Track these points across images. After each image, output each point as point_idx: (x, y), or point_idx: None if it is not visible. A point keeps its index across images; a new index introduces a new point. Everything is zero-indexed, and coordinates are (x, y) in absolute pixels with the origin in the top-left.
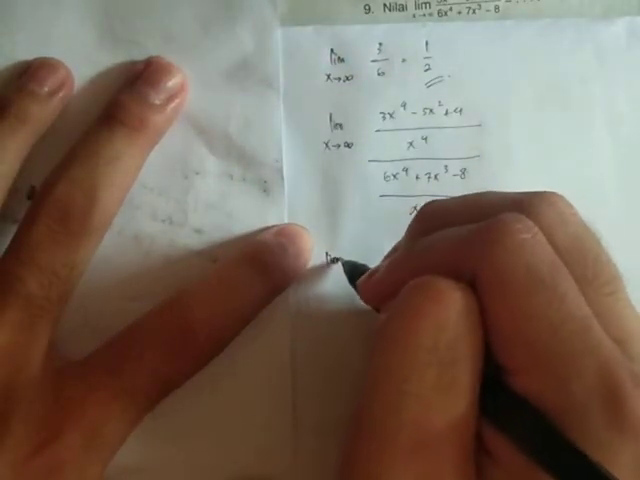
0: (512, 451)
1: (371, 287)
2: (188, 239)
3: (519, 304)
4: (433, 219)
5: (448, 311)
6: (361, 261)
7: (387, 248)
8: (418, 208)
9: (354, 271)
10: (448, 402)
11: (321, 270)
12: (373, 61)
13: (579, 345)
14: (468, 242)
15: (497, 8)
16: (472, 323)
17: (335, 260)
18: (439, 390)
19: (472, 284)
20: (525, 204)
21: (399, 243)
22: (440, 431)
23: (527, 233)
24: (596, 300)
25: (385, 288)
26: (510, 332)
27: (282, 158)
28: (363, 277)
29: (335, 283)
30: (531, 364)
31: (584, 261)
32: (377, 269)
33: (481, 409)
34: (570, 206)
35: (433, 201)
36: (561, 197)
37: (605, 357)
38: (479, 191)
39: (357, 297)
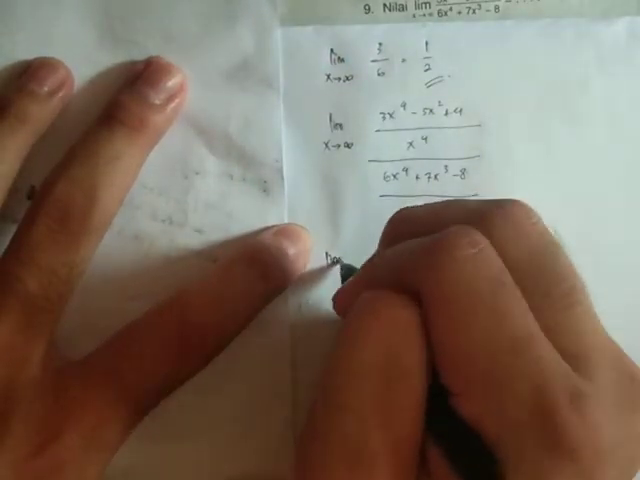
0: (451, 474)
1: (339, 298)
2: (188, 239)
3: (459, 324)
4: (402, 227)
5: (390, 328)
6: (361, 263)
7: None
8: None
9: (349, 276)
10: (387, 419)
11: (321, 270)
12: (373, 61)
13: (516, 367)
14: (414, 256)
15: (497, 8)
16: (415, 341)
17: (335, 261)
18: (378, 407)
19: (419, 300)
20: (480, 215)
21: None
22: (376, 448)
23: (472, 248)
24: (551, 315)
25: (349, 300)
26: (451, 353)
27: (282, 158)
28: (338, 288)
29: (335, 283)
30: (470, 387)
31: (539, 275)
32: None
33: (427, 427)
34: (530, 216)
35: (405, 208)
36: (521, 206)
37: (543, 378)
38: (453, 198)
39: None
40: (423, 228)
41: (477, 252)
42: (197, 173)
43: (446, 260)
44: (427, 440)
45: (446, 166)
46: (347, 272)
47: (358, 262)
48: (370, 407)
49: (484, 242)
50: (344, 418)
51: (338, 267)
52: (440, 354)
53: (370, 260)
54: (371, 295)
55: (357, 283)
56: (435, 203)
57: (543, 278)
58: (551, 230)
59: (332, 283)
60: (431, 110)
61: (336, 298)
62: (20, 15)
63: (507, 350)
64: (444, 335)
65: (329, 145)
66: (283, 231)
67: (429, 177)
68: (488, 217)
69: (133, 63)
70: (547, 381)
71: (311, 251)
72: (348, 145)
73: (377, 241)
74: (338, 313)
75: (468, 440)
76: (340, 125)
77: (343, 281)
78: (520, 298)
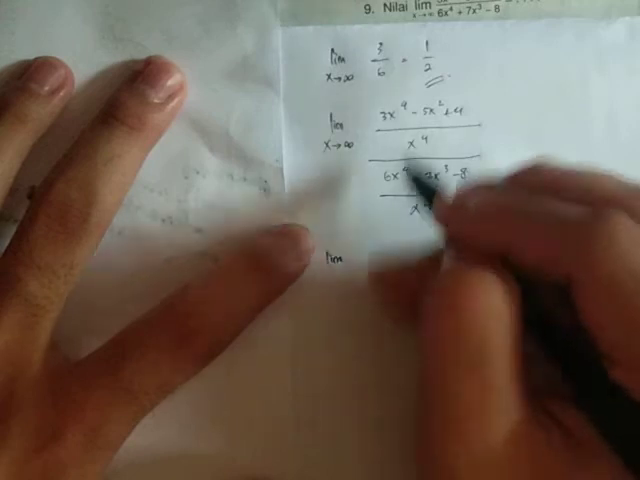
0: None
1: (455, 220)
2: (188, 239)
3: (629, 310)
4: (541, 179)
5: (485, 311)
6: (361, 263)
7: (387, 248)
8: (419, 208)
9: (420, 181)
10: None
11: (321, 270)
12: (373, 61)
13: None
14: (574, 231)
15: (497, 8)
16: (509, 322)
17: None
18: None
19: (558, 270)
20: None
21: (484, 182)
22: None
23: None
24: None
25: (471, 233)
26: (617, 333)
27: (282, 158)
28: (445, 201)
29: (335, 282)
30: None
31: None
32: (463, 203)
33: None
34: None
35: (546, 161)
36: None
37: None
38: (596, 169)
39: (356, 297)
40: (567, 192)
41: None
42: (197, 173)
43: (615, 244)
44: (568, 408)
45: (446, 166)
46: (416, 177)
47: (358, 262)
48: (467, 389)
49: None
50: (453, 404)
51: (338, 267)
52: (602, 331)
53: (478, 188)
54: (468, 274)
55: (483, 215)
56: (582, 170)
57: None
58: None
59: (333, 283)
60: (431, 110)
61: (445, 212)
62: (20, 15)
63: None
64: (609, 318)
65: (329, 145)
66: (283, 231)
67: (429, 177)
68: None
69: (133, 62)
70: None
71: (311, 251)
72: (348, 145)
73: (377, 241)
74: (443, 224)
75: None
76: (340, 125)
77: (416, 185)
78: None
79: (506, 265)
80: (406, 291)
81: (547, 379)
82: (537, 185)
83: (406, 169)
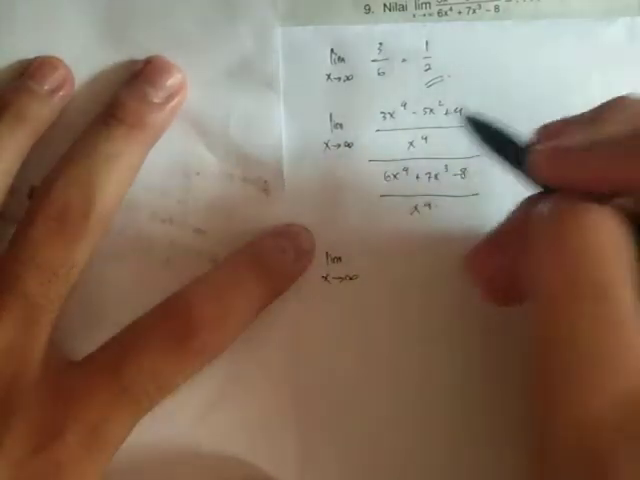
0: None
1: (563, 169)
2: (188, 239)
3: None
4: (630, 112)
5: (605, 242)
6: (361, 263)
7: (387, 248)
8: (419, 208)
9: (486, 129)
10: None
11: (321, 270)
12: (373, 61)
13: None
14: None
15: (497, 8)
16: (626, 251)
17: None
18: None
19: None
20: None
21: (568, 121)
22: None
23: None
24: None
25: (584, 178)
26: None
27: (282, 158)
28: (545, 151)
29: (336, 282)
30: None
31: None
32: (566, 147)
33: None
34: None
35: (632, 93)
36: None
37: None
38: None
39: (356, 298)
40: None
41: None
42: (197, 173)
43: None
44: None
45: (446, 165)
46: (482, 128)
47: (358, 262)
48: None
49: None
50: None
51: (338, 266)
52: None
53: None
54: (583, 204)
55: (598, 156)
56: None
57: None
58: None
59: (332, 283)
60: (431, 110)
61: (546, 163)
62: (20, 15)
63: None
64: None
65: (329, 145)
66: (283, 231)
67: (429, 177)
68: None
69: (133, 62)
70: None
71: (312, 251)
72: (348, 145)
73: (377, 241)
74: (541, 176)
75: None
76: (340, 125)
77: (478, 134)
78: None
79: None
80: (499, 271)
81: None
82: (631, 120)
83: (469, 122)
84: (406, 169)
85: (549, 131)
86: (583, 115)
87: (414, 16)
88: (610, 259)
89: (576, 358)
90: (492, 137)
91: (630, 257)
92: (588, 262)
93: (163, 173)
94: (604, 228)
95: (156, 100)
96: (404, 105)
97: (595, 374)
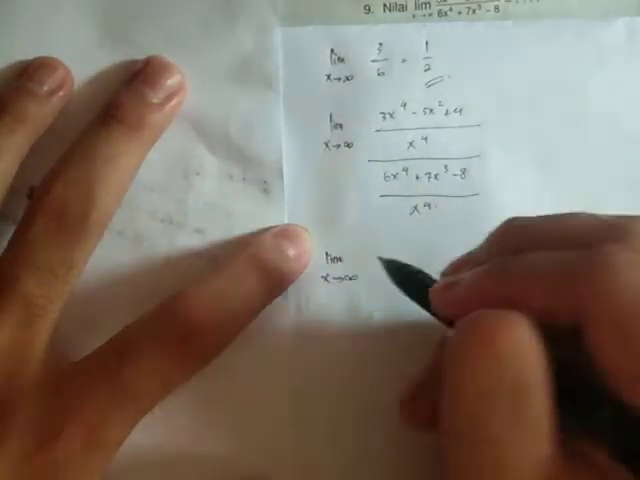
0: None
1: (453, 300)
2: (188, 239)
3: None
4: (519, 237)
5: (514, 351)
6: (361, 263)
7: (387, 248)
8: (419, 208)
9: (401, 273)
10: (524, 438)
11: (321, 270)
12: (373, 61)
13: None
14: (574, 273)
15: (497, 8)
16: (539, 359)
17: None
18: (513, 426)
19: (572, 314)
20: (623, 230)
21: (466, 257)
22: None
23: (634, 255)
24: None
25: (471, 304)
26: (632, 369)
27: (282, 158)
28: (438, 287)
29: (336, 282)
30: None
31: None
32: (456, 281)
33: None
34: None
35: (517, 218)
36: None
37: None
38: (564, 212)
39: (356, 298)
40: (548, 241)
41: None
42: (197, 173)
43: (620, 278)
44: (598, 449)
45: (446, 166)
46: (396, 270)
47: (358, 262)
48: (507, 429)
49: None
50: (486, 449)
51: (338, 266)
52: (616, 368)
53: (466, 264)
54: (489, 316)
55: (482, 289)
56: (554, 215)
57: None
58: None
59: (332, 283)
60: (431, 110)
61: (442, 298)
62: (20, 15)
63: None
64: (622, 355)
65: (329, 145)
66: (283, 231)
67: (429, 177)
68: (635, 232)
69: (132, 62)
70: None
71: (311, 251)
72: (348, 145)
73: (377, 241)
74: (443, 313)
75: None
76: (340, 125)
77: (397, 280)
78: None
79: None
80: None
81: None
82: (521, 244)
83: (387, 269)
84: (406, 169)
85: (453, 268)
86: (481, 246)
87: (414, 16)
88: (524, 361)
89: (482, 454)
90: (408, 280)
91: (544, 357)
92: (502, 363)
93: (163, 173)
94: (519, 329)
95: (155, 100)
96: (404, 105)
97: (497, 465)
